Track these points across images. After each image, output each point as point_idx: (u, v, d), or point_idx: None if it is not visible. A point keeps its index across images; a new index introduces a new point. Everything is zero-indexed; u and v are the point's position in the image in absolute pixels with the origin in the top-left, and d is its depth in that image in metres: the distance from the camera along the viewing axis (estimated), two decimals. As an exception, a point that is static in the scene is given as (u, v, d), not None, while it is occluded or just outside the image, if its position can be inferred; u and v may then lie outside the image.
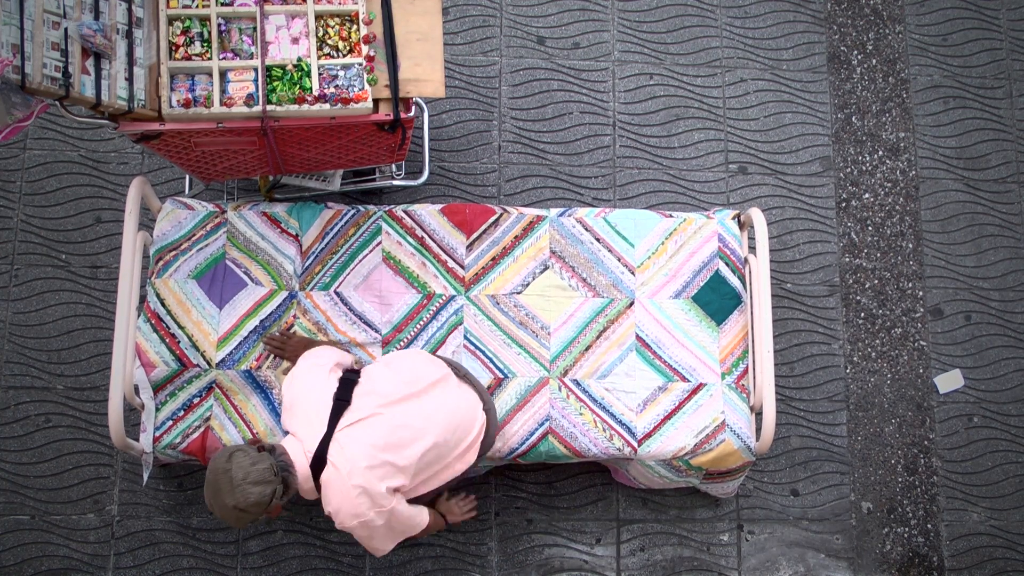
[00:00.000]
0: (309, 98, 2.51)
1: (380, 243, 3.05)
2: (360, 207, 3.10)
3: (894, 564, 3.38)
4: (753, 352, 3.02)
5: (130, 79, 2.43)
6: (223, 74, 2.52)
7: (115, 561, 3.19)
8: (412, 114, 2.58)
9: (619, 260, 3.08)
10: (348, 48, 2.58)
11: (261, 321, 2.93)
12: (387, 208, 3.09)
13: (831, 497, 3.40)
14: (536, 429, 2.92)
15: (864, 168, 3.68)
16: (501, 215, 3.10)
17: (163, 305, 2.91)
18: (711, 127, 3.67)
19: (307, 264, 3.02)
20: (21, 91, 2.25)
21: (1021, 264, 3.65)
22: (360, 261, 3.03)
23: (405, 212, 3.09)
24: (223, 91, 2.51)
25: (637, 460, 2.97)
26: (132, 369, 2.79)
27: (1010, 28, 3.84)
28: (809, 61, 3.75)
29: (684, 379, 2.99)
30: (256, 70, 2.53)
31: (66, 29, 2.32)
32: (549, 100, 3.65)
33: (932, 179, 3.69)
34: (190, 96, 2.48)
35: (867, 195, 3.66)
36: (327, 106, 2.51)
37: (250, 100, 2.49)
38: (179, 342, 2.88)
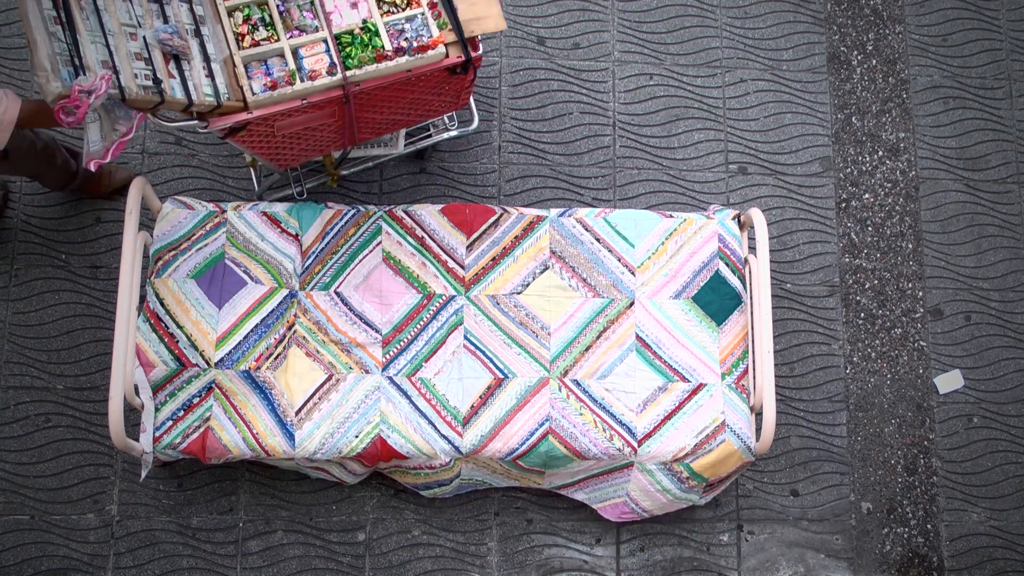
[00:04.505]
0: (389, 53, 2.55)
1: (380, 243, 3.05)
2: (360, 207, 3.10)
3: (894, 564, 3.38)
4: (753, 352, 3.02)
5: (211, 75, 2.47)
6: (295, 52, 2.56)
7: (115, 561, 3.19)
8: (480, 52, 2.64)
9: (619, 260, 3.08)
10: (405, 2, 2.64)
11: (263, 319, 2.93)
12: (387, 208, 3.09)
13: (831, 497, 3.40)
14: (536, 429, 2.92)
15: (864, 168, 3.68)
16: (501, 215, 3.10)
17: (162, 305, 2.91)
18: (711, 127, 3.67)
19: (307, 264, 3.02)
20: (123, 104, 2.30)
21: (1021, 264, 3.65)
22: (360, 261, 3.03)
23: (405, 212, 3.09)
24: (299, 68, 2.55)
25: (637, 465, 2.97)
26: (132, 369, 2.79)
27: (1010, 28, 3.84)
28: (809, 61, 3.75)
29: (684, 379, 2.99)
30: (326, 41, 2.56)
31: (144, 38, 2.37)
32: (549, 100, 3.65)
33: (932, 179, 3.69)
34: (270, 79, 2.53)
35: (867, 195, 3.66)
36: (405, 58, 2.55)
37: (332, 69, 2.54)
38: (178, 342, 2.88)
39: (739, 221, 3.14)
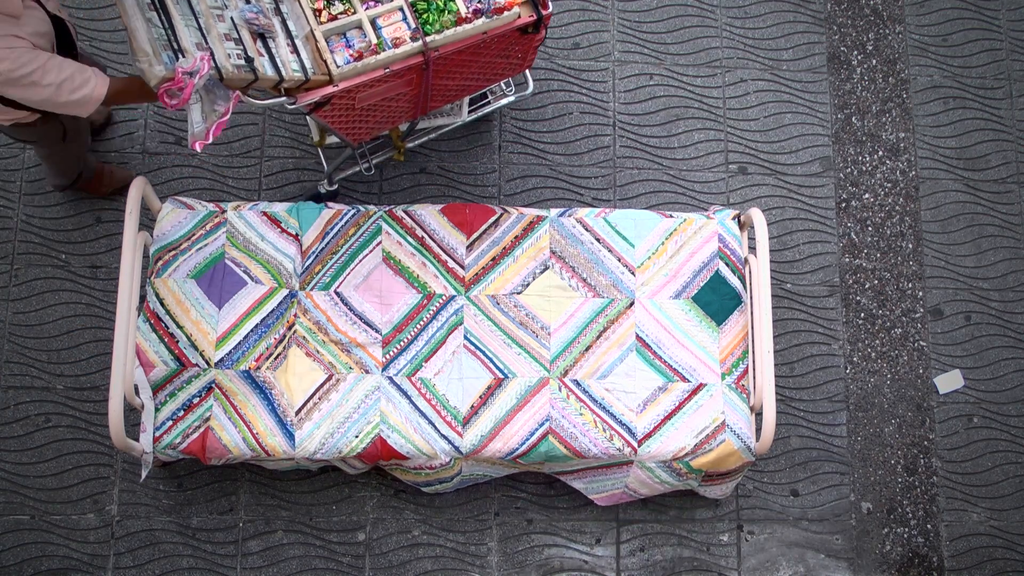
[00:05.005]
0: (468, 16, 2.59)
1: (380, 243, 3.05)
2: (360, 207, 3.10)
3: (894, 564, 3.38)
4: (753, 352, 3.02)
5: (295, 51, 2.53)
6: (373, 22, 2.59)
7: (115, 561, 3.19)
8: (551, 10, 2.69)
9: (619, 260, 3.08)
10: None
11: (263, 319, 2.93)
12: (387, 208, 3.09)
13: (831, 497, 3.40)
14: (536, 429, 2.92)
15: (864, 168, 3.68)
16: (501, 215, 3.10)
17: (162, 305, 2.91)
18: (711, 127, 3.67)
19: (307, 264, 3.02)
20: (221, 84, 2.37)
21: (1021, 264, 3.65)
22: (360, 261, 3.03)
23: (405, 212, 3.09)
24: (378, 38, 2.59)
25: (637, 463, 2.97)
26: (132, 369, 2.79)
27: (1010, 28, 3.84)
28: (809, 61, 3.75)
29: (684, 379, 2.99)
30: (402, 9, 2.60)
31: (231, 18, 2.44)
32: (549, 100, 3.64)
33: (932, 179, 3.69)
34: (352, 50, 2.56)
35: (867, 195, 3.66)
36: (482, 20, 2.60)
37: (415, 34, 2.58)
38: (178, 342, 2.88)
39: (739, 221, 3.14)
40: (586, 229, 3.10)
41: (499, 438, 2.91)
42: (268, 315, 2.94)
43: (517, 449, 2.91)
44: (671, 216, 3.13)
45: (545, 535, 3.29)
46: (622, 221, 3.11)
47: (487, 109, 3.36)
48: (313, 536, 3.24)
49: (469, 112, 3.34)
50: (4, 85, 2.34)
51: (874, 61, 3.78)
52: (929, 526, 3.41)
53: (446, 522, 3.28)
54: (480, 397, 2.94)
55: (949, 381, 3.52)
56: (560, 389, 2.96)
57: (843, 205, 3.65)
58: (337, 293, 3.00)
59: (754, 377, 2.99)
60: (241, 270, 2.97)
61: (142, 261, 2.94)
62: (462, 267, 3.05)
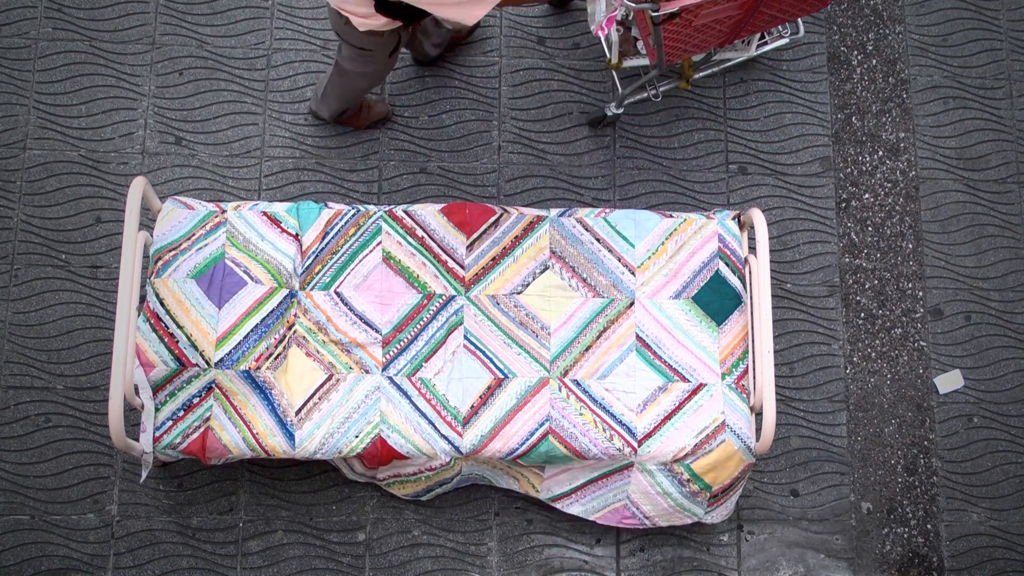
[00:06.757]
0: None
1: (380, 243, 3.05)
2: (360, 207, 3.10)
3: (894, 564, 3.38)
4: (753, 352, 3.02)
5: None
6: None
7: (115, 561, 3.19)
8: None
9: (619, 260, 3.08)
10: None
11: (263, 319, 2.93)
12: (387, 208, 3.09)
13: (831, 497, 3.41)
14: (536, 429, 2.92)
15: (864, 168, 3.68)
16: (501, 215, 3.10)
17: (162, 305, 2.91)
18: (711, 127, 3.67)
19: (307, 264, 3.02)
20: None
21: (1021, 264, 3.65)
22: (360, 261, 3.03)
23: (405, 212, 3.09)
24: None
25: (638, 466, 2.97)
26: (132, 369, 2.79)
27: (1010, 28, 3.84)
28: (809, 61, 3.75)
29: (684, 379, 2.99)
30: None
31: None
32: (549, 100, 3.65)
33: (932, 179, 3.70)
34: None
35: (867, 195, 3.66)
36: None
37: None
38: (178, 342, 2.88)
39: (739, 221, 3.14)
40: (586, 229, 3.10)
41: (499, 438, 2.91)
42: (268, 315, 2.94)
43: (517, 449, 2.91)
44: (671, 216, 3.13)
45: (545, 535, 3.29)
46: (622, 221, 3.11)
47: (765, 49, 3.48)
48: (313, 536, 3.24)
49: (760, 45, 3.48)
50: None
51: (874, 61, 3.78)
52: (929, 526, 3.41)
53: (446, 522, 3.28)
54: (480, 397, 2.94)
55: (949, 381, 3.52)
56: (560, 389, 2.97)
57: (843, 205, 3.65)
58: (337, 293, 3.00)
59: (754, 377, 2.99)
60: (241, 270, 2.97)
61: (142, 261, 2.94)
62: (462, 267, 3.05)
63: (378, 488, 3.27)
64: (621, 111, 3.45)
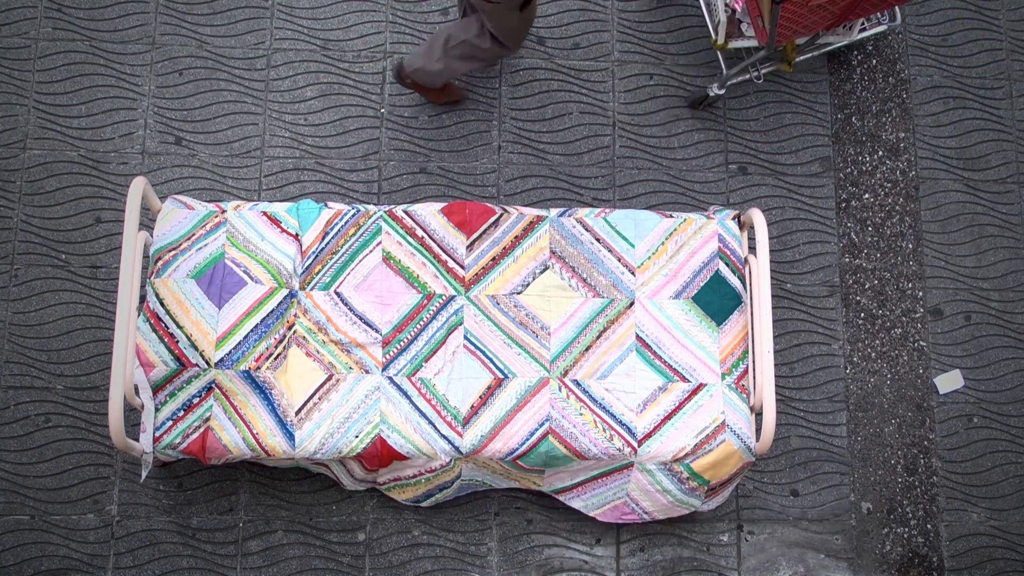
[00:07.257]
0: None
1: (380, 243, 3.05)
2: (360, 207, 3.10)
3: (894, 564, 3.38)
4: (753, 352, 3.02)
5: None
6: None
7: (115, 561, 3.19)
8: None
9: (619, 260, 3.08)
10: None
11: (263, 319, 2.93)
12: (387, 208, 3.09)
13: (831, 497, 3.40)
14: (536, 429, 2.92)
15: (864, 168, 3.68)
16: (501, 215, 3.10)
17: (162, 305, 2.91)
18: (711, 127, 3.67)
19: (307, 264, 3.02)
20: None
21: (1021, 264, 3.65)
22: (360, 261, 3.03)
23: (405, 212, 3.09)
24: None
25: (638, 465, 2.97)
26: (132, 369, 2.79)
27: (1010, 28, 3.84)
28: (809, 61, 3.75)
29: (684, 379, 2.99)
30: None
31: None
32: (549, 100, 3.65)
33: (932, 179, 3.69)
34: None
35: (867, 195, 3.66)
36: None
37: None
38: (178, 342, 2.88)
39: (739, 221, 3.14)
40: (586, 229, 3.10)
41: (499, 438, 2.91)
42: (268, 315, 2.94)
43: (517, 449, 2.91)
44: (671, 216, 3.13)
45: (545, 535, 3.29)
46: (622, 221, 3.11)
47: (867, 33, 3.49)
48: (313, 536, 3.24)
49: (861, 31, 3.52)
50: None
51: (874, 61, 3.78)
52: (929, 526, 3.41)
53: (446, 522, 3.28)
54: (480, 397, 2.94)
55: (949, 381, 3.52)
56: (560, 389, 2.97)
57: (843, 205, 3.65)
58: (337, 293, 3.00)
59: (754, 377, 2.99)
60: (241, 270, 2.97)
61: (142, 261, 2.94)
62: (462, 267, 3.05)
63: (378, 489, 3.28)
64: (723, 91, 3.50)
